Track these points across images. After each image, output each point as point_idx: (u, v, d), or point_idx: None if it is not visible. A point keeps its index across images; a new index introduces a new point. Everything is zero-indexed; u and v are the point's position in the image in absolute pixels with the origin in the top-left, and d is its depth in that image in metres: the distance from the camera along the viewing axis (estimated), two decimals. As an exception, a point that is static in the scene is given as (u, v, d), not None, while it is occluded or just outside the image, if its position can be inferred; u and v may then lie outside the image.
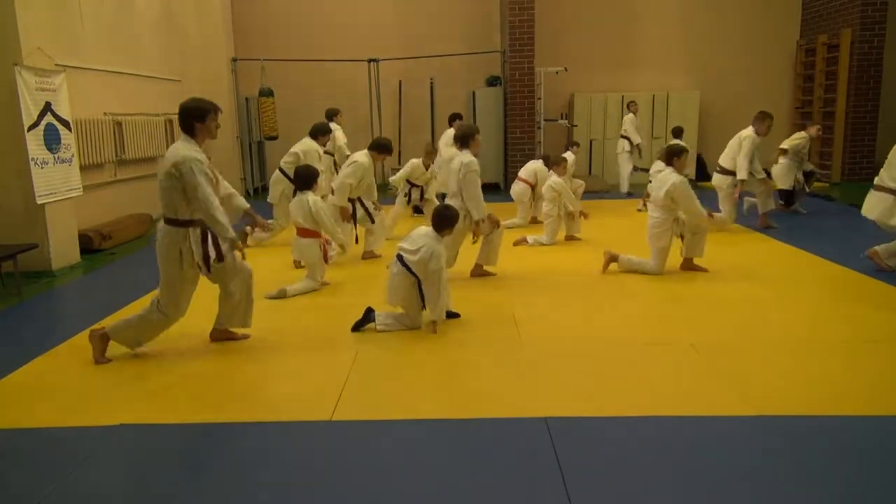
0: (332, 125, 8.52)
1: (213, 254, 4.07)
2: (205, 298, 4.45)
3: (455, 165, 5.68)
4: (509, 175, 11.50)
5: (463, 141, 5.76)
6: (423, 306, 4.67)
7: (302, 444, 3.16)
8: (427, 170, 8.12)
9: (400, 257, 4.59)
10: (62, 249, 6.85)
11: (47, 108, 6.57)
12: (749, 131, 7.66)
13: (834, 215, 8.96)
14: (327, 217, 5.74)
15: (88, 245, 7.45)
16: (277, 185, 7.49)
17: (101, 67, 8.39)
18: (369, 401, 3.59)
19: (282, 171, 7.44)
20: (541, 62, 11.74)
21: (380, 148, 6.85)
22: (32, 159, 6.32)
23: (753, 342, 4.31)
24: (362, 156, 6.77)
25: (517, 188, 8.53)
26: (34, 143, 6.37)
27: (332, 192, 6.92)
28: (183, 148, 3.98)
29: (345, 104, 10.34)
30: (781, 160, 8.76)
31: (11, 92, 6.19)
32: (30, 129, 6.32)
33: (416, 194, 8.23)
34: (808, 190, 9.09)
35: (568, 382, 3.77)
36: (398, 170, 8.54)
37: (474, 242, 5.86)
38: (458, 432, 3.24)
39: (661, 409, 3.39)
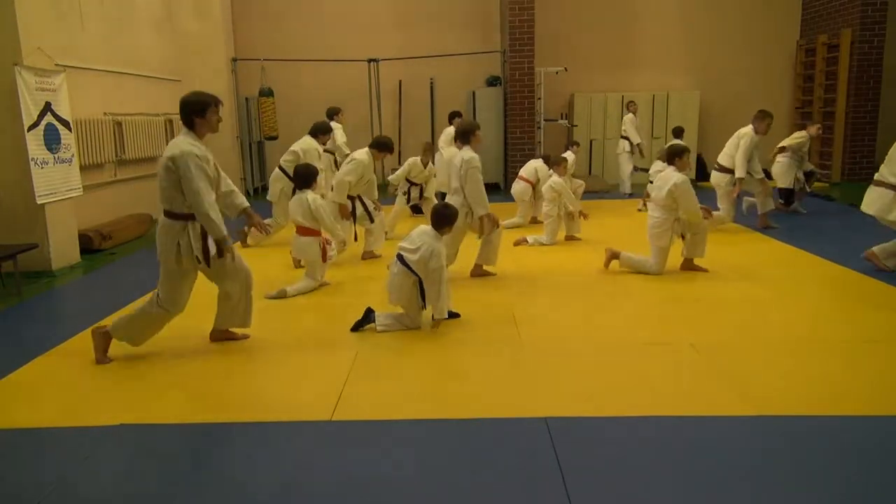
0: (333, 124, 8.52)
1: (213, 249, 4.05)
2: (205, 298, 4.45)
3: (456, 162, 5.67)
4: (509, 175, 11.50)
5: (464, 137, 5.75)
6: (424, 306, 4.67)
7: (302, 444, 3.16)
8: (425, 167, 8.12)
9: (400, 257, 4.59)
10: (62, 249, 6.85)
11: (47, 108, 6.57)
12: (748, 129, 7.64)
13: (834, 215, 8.95)
14: (327, 215, 5.73)
15: (88, 245, 7.46)
16: (277, 183, 7.49)
17: (101, 67, 8.39)
18: (369, 401, 3.59)
19: (281, 169, 7.44)
20: (541, 62, 11.74)
21: (380, 146, 6.85)
22: (32, 159, 6.32)
23: (753, 342, 4.31)
24: (362, 153, 6.77)
25: (518, 187, 8.52)
26: (34, 143, 6.37)
27: (332, 190, 6.92)
28: (182, 142, 3.95)
29: (345, 104, 10.34)
30: (780, 158, 8.75)
31: (11, 92, 6.19)
32: (30, 129, 6.32)
33: (415, 193, 8.23)
34: (808, 189, 9.09)
35: (568, 382, 3.77)
36: (398, 169, 8.54)
37: (480, 238, 5.86)
38: (458, 432, 3.24)
39: (661, 409, 3.39)
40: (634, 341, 4.39)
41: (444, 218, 4.73)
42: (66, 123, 6.85)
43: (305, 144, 7.49)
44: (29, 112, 6.31)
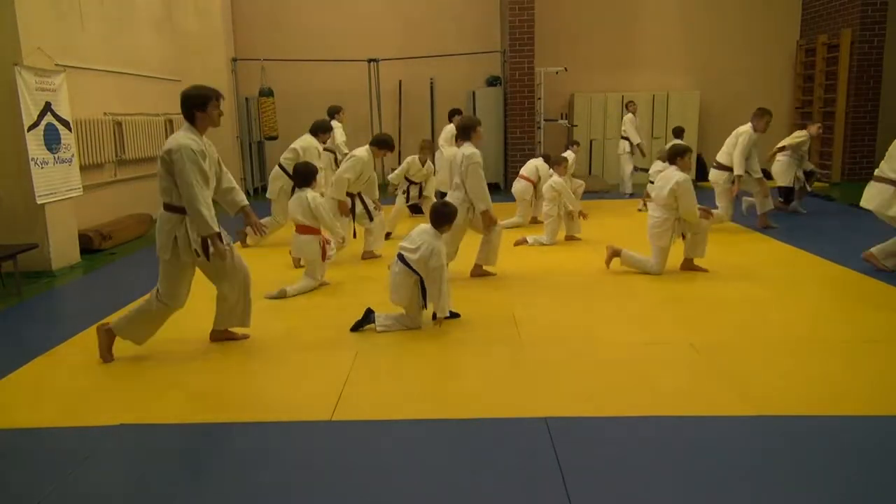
0: (333, 123, 8.52)
1: (195, 244, 4.01)
2: (205, 299, 4.45)
3: (458, 158, 5.66)
4: (509, 175, 11.51)
5: (464, 133, 5.75)
6: (425, 305, 4.67)
7: (302, 444, 3.16)
8: (423, 165, 8.12)
9: (401, 256, 4.59)
10: (62, 249, 6.85)
11: (47, 108, 6.57)
12: (746, 127, 7.63)
13: (834, 215, 8.95)
14: (326, 213, 5.73)
15: (88, 245, 7.46)
16: (276, 181, 7.49)
17: (101, 67, 8.39)
18: (369, 401, 3.59)
19: (281, 167, 7.44)
20: (541, 62, 11.74)
21: (380, 144, 6.84)
22: (32, 159, 6.32)
23: (753, 342, 4.31)
24: (362, 151, 6.76)
25: (518, 186, 8.52)
26: (34, 143, 6.37)
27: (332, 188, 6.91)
28: (180, 136, 3.93)
29: (345, 104, 10.32)
30: (780, 157, 8.75)
31: (11, 92, 6.19)
32: (30, 129, 6.32)
33: (414, 192, 8.23)
34: (809, 189, 9.09)
35: (568, 382, 3.77)
36: (397, 169, 8.54)
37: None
38: (458, 432, 3.24)
39: (661, 409, 3.39)
40: (634, 341, 4.39)
41: (443, 216, 4.73)
42: (66, 123, 6.85)
43: (305, 143, 7.49)
44: (29, 112, 6.31)
